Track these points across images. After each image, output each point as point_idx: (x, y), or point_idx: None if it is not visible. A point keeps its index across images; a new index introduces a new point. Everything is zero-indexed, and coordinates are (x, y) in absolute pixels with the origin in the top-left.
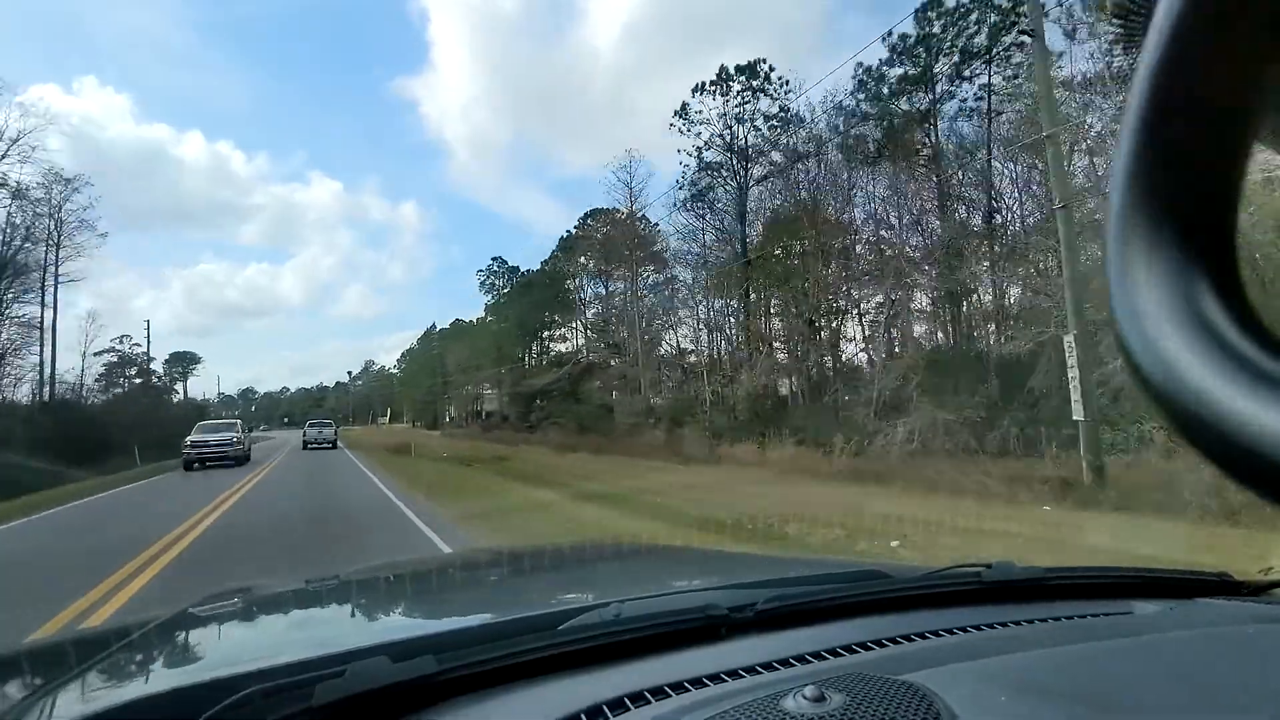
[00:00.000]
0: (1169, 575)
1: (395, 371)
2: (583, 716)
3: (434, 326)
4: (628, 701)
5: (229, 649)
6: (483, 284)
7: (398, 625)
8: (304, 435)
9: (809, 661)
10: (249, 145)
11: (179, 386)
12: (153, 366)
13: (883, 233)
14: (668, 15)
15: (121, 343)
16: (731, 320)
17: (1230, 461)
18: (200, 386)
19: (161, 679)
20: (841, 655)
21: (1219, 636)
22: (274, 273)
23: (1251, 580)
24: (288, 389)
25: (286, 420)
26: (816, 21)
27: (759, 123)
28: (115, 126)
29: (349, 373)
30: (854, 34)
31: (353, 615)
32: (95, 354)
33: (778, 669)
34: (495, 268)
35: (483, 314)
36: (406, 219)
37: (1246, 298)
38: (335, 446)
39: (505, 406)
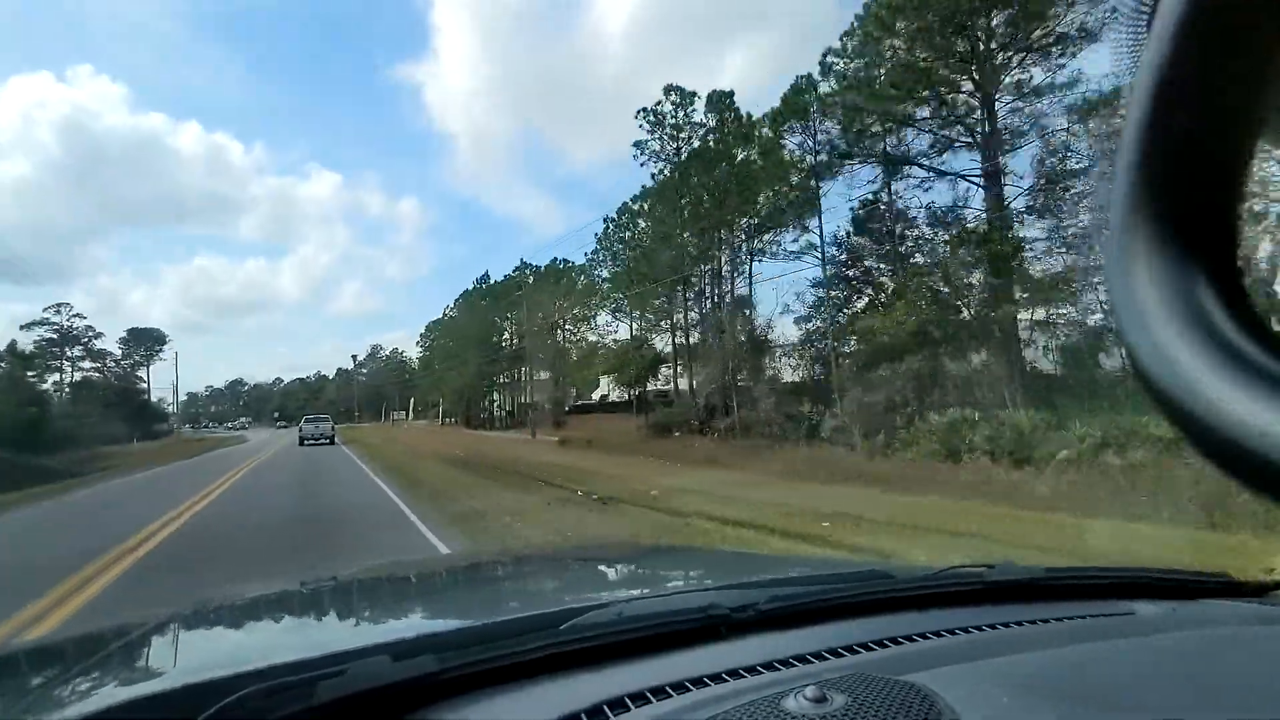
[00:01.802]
0: (1171, 576)
1: (419, 353)
2: (584, 716)
3: (486, 278)
4: (629, 701)
5: (229, 648)
6: (640, 146)
7: (398, 625)
8: (300, 431)
9: (810, 662)
10: (247, 137)
11: (143, 373)
12: (103, 345)
13: None
14: (670, 11)
15: (59, 313)
16: None
17: (1230, 461)
18: (167, 372)
19: (161, 678)
20: (843, 655)
21: (1221, 637)
22: (271, 268)
23: (1253, 581)
24: (281, 380)
25: (277, 416)
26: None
27: None
28: (110, 116)
29: (353, 357)
30: None
31: (353, 615)
32: (22, 327)
33: (779, 669)
34: (668, 109)
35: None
36: (406, 215)
37: (1248, 296)
38: (333, 442)
39: (709, 390)
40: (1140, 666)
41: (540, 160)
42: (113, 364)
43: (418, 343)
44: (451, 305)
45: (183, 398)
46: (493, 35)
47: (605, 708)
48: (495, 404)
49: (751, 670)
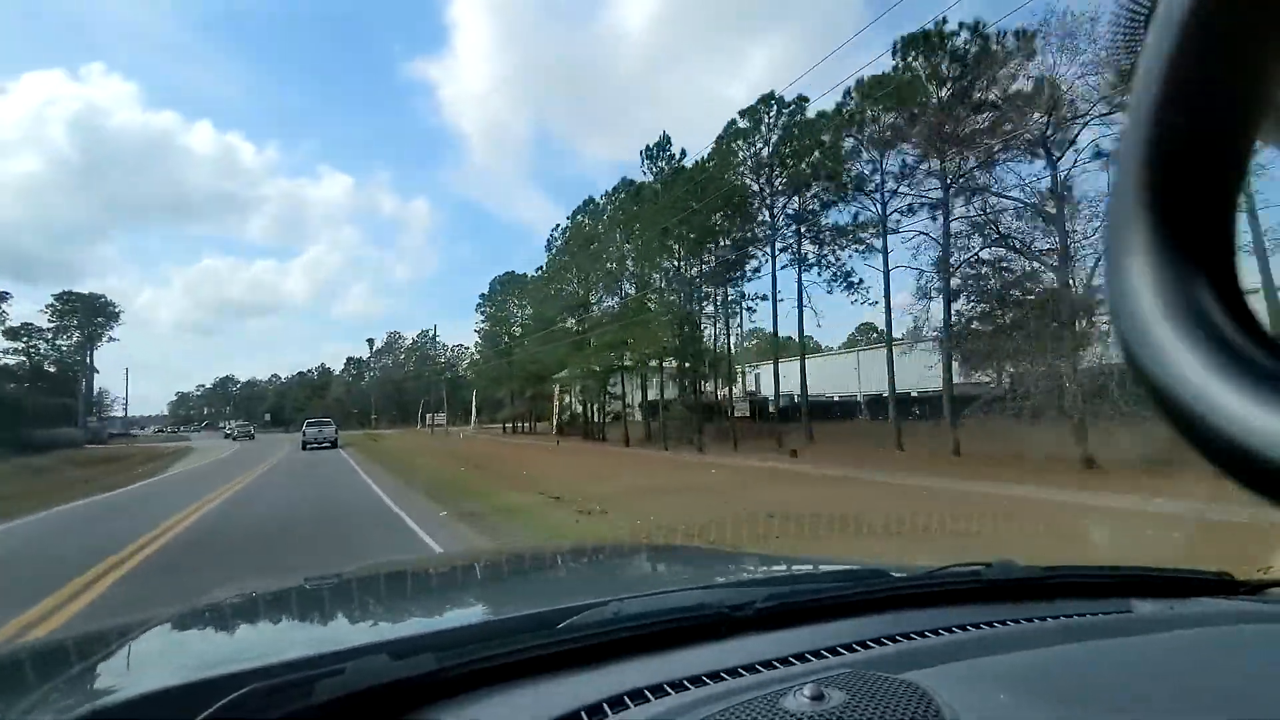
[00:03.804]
0: (1168, 574)
1: (479, 324)
2: (583, 714)
3: (664, 145)
4: (628, 699)
5: (229, 647)
6: None
7: (398, 623)
8: (303, 435)
9: (809, 660)
10: (259, 137)
11: (99, 356)
12: (17, 317)
13: None
14: (676, 12)
15: None
16: None
17: (1229, 461)
18: (146, 356)
19: (162, 677)
20: (841, 654)
21: (1218, 635)
22: (279, 269)
23: (1250, 579)
24: (278, 377)
25: (269, 419)
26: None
27: None
28: (121, 114)
29: (369, 341)
30: None
31: (353, 613)
32: None
33: (777, 667)
34: None
35: None
36: (416, 216)
37: (1245, 296)
38: (335, 446)
39: None
40: (1138, 665)
41: (557, 163)
42: (44, 343)
43: (478, 307)
44: (559, 233)
45: (172, 397)
46: (509, 31)
47: (605, 706)
48: (611, 400)
49: (750, 668)
